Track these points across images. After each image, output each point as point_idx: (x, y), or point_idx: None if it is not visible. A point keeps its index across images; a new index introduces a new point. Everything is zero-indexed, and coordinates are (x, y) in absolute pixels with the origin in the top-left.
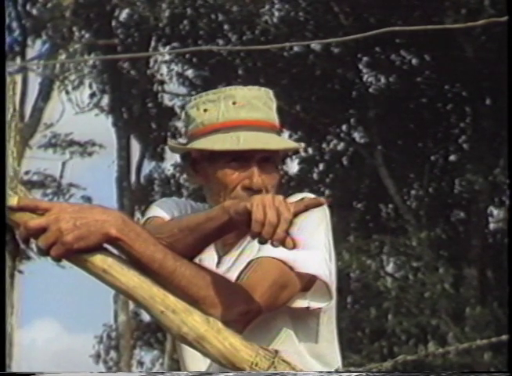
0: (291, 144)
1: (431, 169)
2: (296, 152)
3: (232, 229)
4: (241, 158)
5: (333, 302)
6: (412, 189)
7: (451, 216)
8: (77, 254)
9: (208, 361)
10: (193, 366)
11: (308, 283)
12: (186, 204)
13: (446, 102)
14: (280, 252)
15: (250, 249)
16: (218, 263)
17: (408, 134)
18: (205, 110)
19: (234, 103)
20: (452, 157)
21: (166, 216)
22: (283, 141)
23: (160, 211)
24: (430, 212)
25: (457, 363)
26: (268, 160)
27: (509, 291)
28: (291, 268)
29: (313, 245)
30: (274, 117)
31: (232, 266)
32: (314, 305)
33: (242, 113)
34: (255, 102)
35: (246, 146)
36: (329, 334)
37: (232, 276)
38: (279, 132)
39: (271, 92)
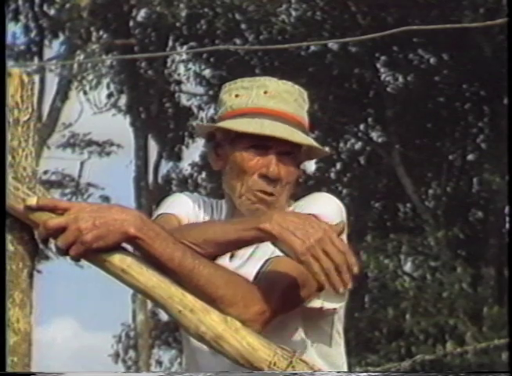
0: (315, 143)
1: (449, 168)
2: (321, 157)
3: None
4: (261, 146)
5: (343, 304)
6: (430, 188)
7: (469, 216)
8: (96, 253)
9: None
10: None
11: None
12: (199, 199)
13: (464, 101)
14: None
15: (266, 245)
16: (231, 257)
17: (425, 133)
18: (236, 96)
19: (265, 93)
20: (469, 157)
21: (178, 213)
22: (308, 138)
23: (173, 207)
24: (448, 212)
25: (475, 362)
26: (289, 154)
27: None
28: None
29: None
30: (303, 116)
31: (246, 262)
32: (328, 305)
33: (271, 103)
34: (286, 95)
35: (269, 132)
36: (337, 335)
37: (245, 271)
38: (306, 131)
39: (305, 94)
